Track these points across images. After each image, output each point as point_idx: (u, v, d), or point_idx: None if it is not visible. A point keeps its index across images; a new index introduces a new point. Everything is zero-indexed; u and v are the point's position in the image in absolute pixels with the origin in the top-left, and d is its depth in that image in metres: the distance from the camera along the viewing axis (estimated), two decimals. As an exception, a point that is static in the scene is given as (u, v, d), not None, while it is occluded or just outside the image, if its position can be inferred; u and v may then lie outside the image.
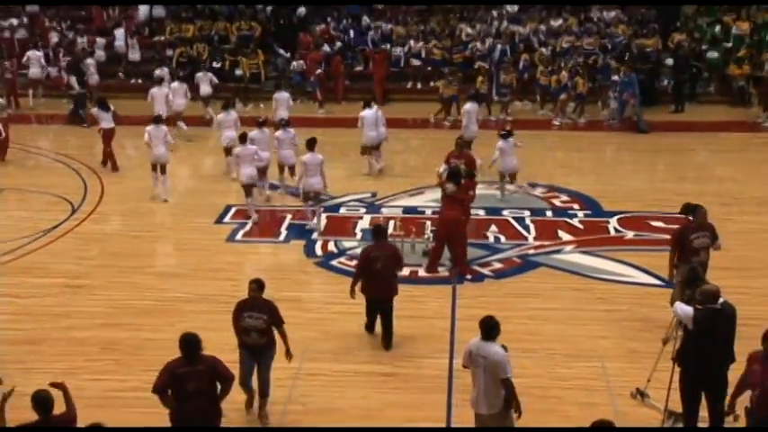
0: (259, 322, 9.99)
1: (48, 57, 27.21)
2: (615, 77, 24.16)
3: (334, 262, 14.94)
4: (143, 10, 29.94)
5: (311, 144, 16.35)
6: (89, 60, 26.42)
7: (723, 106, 25.41)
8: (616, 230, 16.28)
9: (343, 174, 19.22)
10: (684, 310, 9.29)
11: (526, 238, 15.92)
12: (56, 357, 11.69)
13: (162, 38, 28.65)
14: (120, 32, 28.37)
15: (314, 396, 10.80)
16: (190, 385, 8.65)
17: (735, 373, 9.01)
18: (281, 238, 16.16)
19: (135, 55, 28.00)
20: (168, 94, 22.33)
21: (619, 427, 7.57)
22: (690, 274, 10.32)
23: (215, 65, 26.76)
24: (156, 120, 18.69)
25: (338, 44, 27.82)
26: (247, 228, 16.47)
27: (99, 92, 24.18)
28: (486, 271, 14.55)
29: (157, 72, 24.41)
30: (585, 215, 17.07)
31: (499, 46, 26.44)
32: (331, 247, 15.60)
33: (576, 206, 17.55)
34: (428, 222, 16.15)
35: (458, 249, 14.32)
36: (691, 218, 12.21)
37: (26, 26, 29.51)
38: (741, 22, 26.70)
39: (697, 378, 9.28)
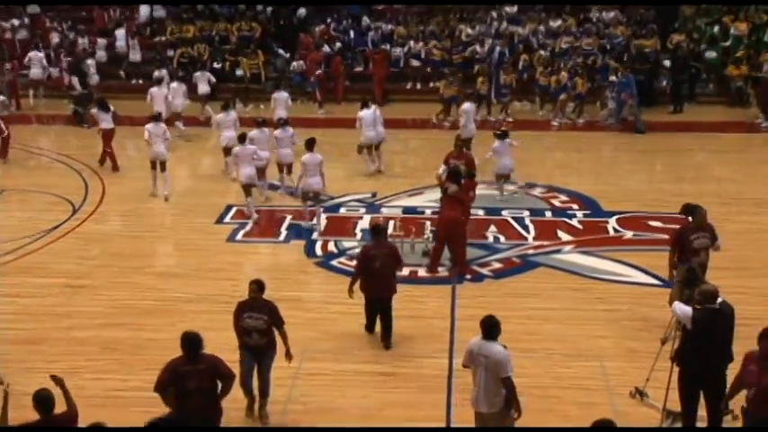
0: (259, 323, 10.02)
1: (49, 57, 27.26)
2: (613, 78, 24.21)
3: (334, 262, 14.98)
4: (144, 11, 29.97)
5: (310, 144, 16.41)
6: (89, 61, 26.49)
7: (721, 107, 25.44)
8: (615, 230, 16.32)
9: (343, 174, 19.27)
10: (683, 309, 9.33)
11: (525, 239, 15.96)
12: (57, 357, 11.71)
13: (163, 38, 28.69)
14: (120, 33, 28.42)
15: (314, 395, 10.84)
16: (191, 384, 8.70)
17: (733, 372, 9.03)
18: (282, 238, 16.20)
19: (136, 55, 28.05)
20: (167, 95, 22.40)
21: (619, 428, 7.59)
22: (688, 275, 10.33)
23: (215, 65, 26.87)
24: (156, 117, 18.78)
25: (338, 45, 27.86)
26: (248, 228, 16.52)
27: (99, 92, 24.21)
28: (485, 271, 14.59)
29: (156, 73, 24.47)
30: (584, 215, 17.11)
31: (498, 48, 26.46)
32: (331, 247, 15.64)
33: (575, 206, 17.59)
34: (428, 222, 16.21)
35: (458, 249, 14.36)
36: (690, 218, 12.24)
37: (27, 27, 29.55)
38: (739, 22, 26.73)
39: (695, 377, 9.31)
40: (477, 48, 26.52)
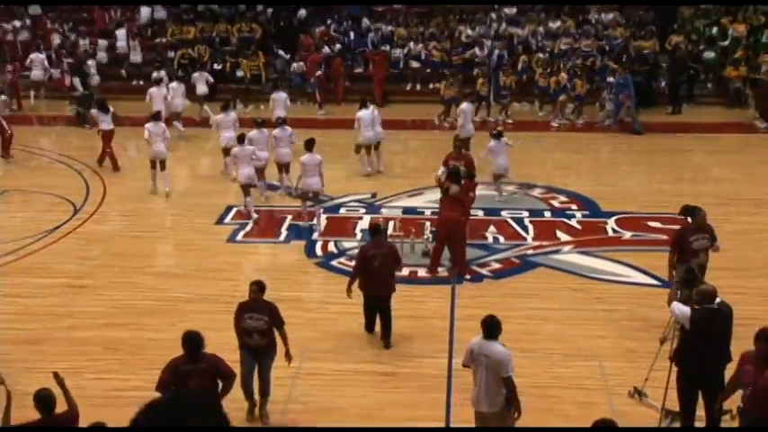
0: (260, 323, 10.05)
1: (50, 59, 27.32)
2: (610, 79, 24.26)
3: (334, 262, 15.02)
4: (145, 12, 30.03)
5: (309, 145, 16.46)
6: (90, 62, 26.54)
7: (720, 108, 25.47)
8: (614, 231, 16.36)
9: (343, 174, 19.32)
10: (682, 310, 9.37)
11: (525, 239, 16.00)
12: (58, 357, 11.73)
13: (163, 40, 28.75)
14: (121, 33, 28.49)
15: (314, 395, 10.88)
16: (192, 383, 8.74)
17: (730, 372, 9.08)
18: (282, 238, 16.25)
19: (136, 57, 28.10)
20: (167, 95, 22.47)
21: (620, 427, 7.60)
22: (687, 275, 10.38)
23: (216, 66, 26.94)
24: (155, 117, 18.84)
25: (338, 46, 27.90)
26: (248, 228, 16.56)
27: (100, 93, 24.28)
28: (484, 271, 14.64)
29: (155, 74, 24.54)
30: (583, 216, 17.15)
31: (497, 51, 26.47)
32: (331, 247, 15.69)
33: (574, 207, 17.63)
34: (427, 223, 16.25)
35: (457, 250, 14.40)
36: (690, 220, 12.28)
37: (29, 28, 29.61)
38: (738, 24, 26.79)
39: (694, 377, 9.36)
40: (477, 51, 26.52)
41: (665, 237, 15.12)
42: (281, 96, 21.77)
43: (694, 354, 9.24)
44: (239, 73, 26.67)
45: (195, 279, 14.31)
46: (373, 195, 18.35)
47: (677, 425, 9.81)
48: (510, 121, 24.02)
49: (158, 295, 13.68)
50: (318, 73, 26.31)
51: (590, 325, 12.67)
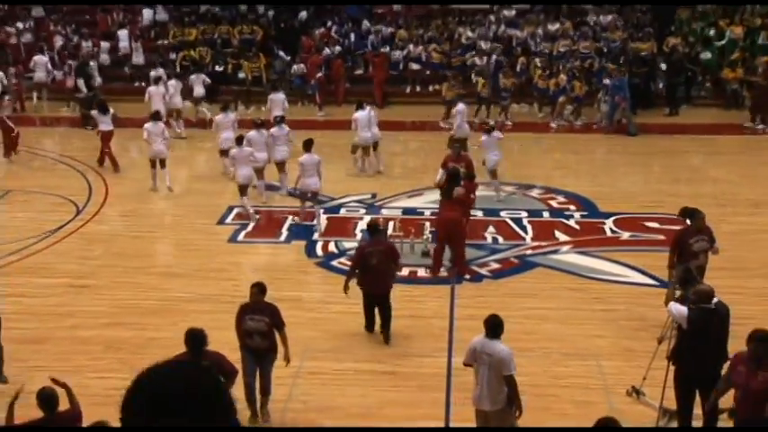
0: (261, 325, 10.08)
1: (53, 61, 27.42)
2: (606, 81, 24.34)
3: (334, 262, 15.09)
4: (147, 14, 30.14)
5: (308, 145, 16.55)
6: (92, 63, 26.65)
7: (717, 109, 25.52)
8: (612, 231, 16.44)
9: (343, 175, 19.41)
10: (679, 309, 9.44)
11: (524, 239, 16.09)
12: (60, 356, 11.83)
13: (165, 42, 28.84)
14: (123, 33, 28.61)
15: (314, 394, 10.95)
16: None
17: (728, 371, 9.18)
18: (282, 238, 16.33)
19: (139, 58, 28.19)
20: (165, 94, 22.58)
21: (622, 427, 7.61)
22: (684, 275, 10.45)
23: (217, 68, 27.07)
24: (154, 116, 18.94)
25: (338, 48, 27.97)
26: (249, 228, 16.64)
27: (102, 95, 24.41)
28: (484, 271, 14.72)
29: (153, 73, 24.67)
30: (582, 216, 17.24)
31: (495, 56, 26.50)
32: (331, 247, 15.78)
33: (572, 207, 17.71)
34: (427, 223, 16.33)
35: (457, 250, 14.47)
36: (689, 222, 12.34)
37: (32, 30, 29.73)
38: (735, 26, 26.88)
39: (691, 376, 9.42)
40: (477, 61, 26.46)
41: (662, 237, 15.24)
42: (279, 97, 21.89)
43: (691, 353, 9.30)
44: (241, 74, 26.77)
45: (197, 279, 14.38)
46: (373, 196, 18.43)
47: (675, 424, 9.87)
48: (509, 122, 24.09)
49: (160, 295, 13.75)
50: (319, 74, 26.39)
51: (588, 324, 12.74)
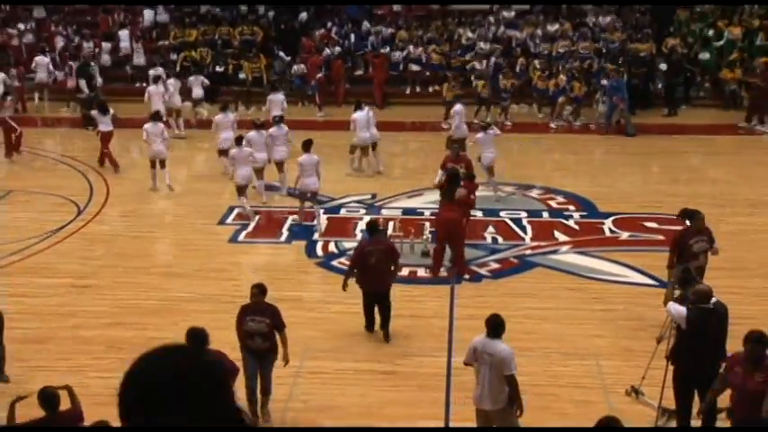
0: (262, 326, 10.11)
1: (54, 61, 27.49)
2: (604, 82, 24.40)
3: (334, 262, 15.14)
4: (148, 15, 30.21)
5: (307, 145, 16.60)
6: (93, 63, 26.69)
7: (715, 110, 25.56)
8: (611, 231, 16.49)
9: (343, 175, 19.46)
10: (677, 309, 9.49)
11: (523, 239, 16.14)
12: (62, 356, 11.90)
13: (166, 42, 28.89)
14: (124, 33, 28.69)
15: (314, 394, 11.00)
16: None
17: (726, 371, 9.23)
18: (283, 238, 16.39)
19: (140, 59, 28.24)
20: (165, 93, 22.65)
21: (624, 427, 7.64)
22: (683, 274, 10.49)
23: (218, 69, 27.13)
24: (154, 117, 18.99)
25: (337, 48, 28.02)
26: (250, 228, 16.69)
27: (104, 95, 24.49)
28: (483, 271, 14.77)
29: (152, 72, 24.73)
30: (581, 216, 17.29)
31: (493, 59, 26.54)
32: (332, 247, 15.83)
33: (571, 207, 17.76)
34: (427, 223, 16.39)
35: (456, 250, 14.52)
36: (688, 223, 12.39)
37: (33, 31, 29.79)
38: (733, 27, 26.94)
39: (690, 376, 9.46)
40: (476, 65, 26.48)
41: (661, 237, 15.31)
42: (277, 98, 21.96)
43: (690, 353, 9.35)
44: (241, 75, 26.84)
45: (197, 279, 14.43)
46: (373, 196, 18.48)
47: (673, 423, 9.92)
48: (509, 123, 24.14)
49: (161, 295, 13.80)
50: (319, 75, 26.44)
51: (587, 324, 12.79)
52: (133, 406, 2.32)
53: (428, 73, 27.39)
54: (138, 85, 27.75)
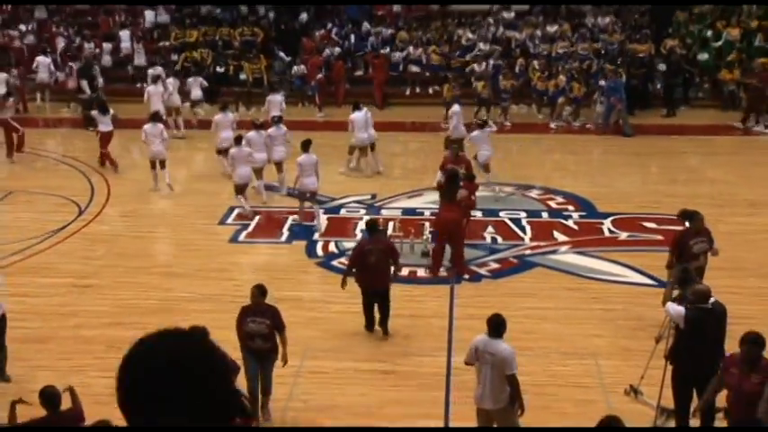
0: (262, 327, 10.14)
1: (55, 62, 27.55)
2: (602, 82, 24.44)
3: (334, 262, 15.17)
4: (149, 16, 30.27)
5: (306, 145, 16.65)
6: (94, 64, 26.79)
7: (714, 110, 25.61)
8: (610, 231, 16.53)
9: (343, 176, 19.50)
10: (676, 309, 9.52)
11: (522, 239, 16.18)
12: (63, 355, 11.93)
13: (167, 43, 28.95)
14: (125, 34, 28.76)
15: (314, 393, 11.02)
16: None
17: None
18: (283, 238, 16.43)
19: (140, 60, 28.30)
20: (164, 93, 22.70)
21: (625, 427, 7.65)
22: (682, 274, 10.53)
23: (219, 69, 27.19)
24: (153, 117, 19.04)
25: (337, 49, 28.07)
26: (250, 228, 16.73)
27: (105, 96, 24.55)
28: (483, 271, 14.80)
29: (151, 71, 24.77)
30: (580, 216, 17.33)
31: (492, 61, 26.58)
32: (332, 247, 15.87)
33: (570, 208, 17.80)
34: (427, 223, 16.43)
35: (456, 250, 14.56)
36: (688, 224, 12.42)
37: (34, 32, 29.86)
38: (732, 28, 26.99)
39: (688, 376, 9.48)
40: (476, 67, 26.51)
41: (660, 237, 15.35)
42: (276, 99, 22.03)
43: (689, 353, 9.37)
44: (242, 76, 26.90)
45: (198, 279, 14.47)
46: (373, 196, 18.52)
47: (672, 423, 9.94)
48: (509, 123, 24.19)
49: (162, 295, 13.83)
50: (319, 76, 26.49)
51: (587, 324, 12.82)
52: (131, 390, 2.33)
53: (428, 74, 27.44)
54: (139, 85, 27.78)
